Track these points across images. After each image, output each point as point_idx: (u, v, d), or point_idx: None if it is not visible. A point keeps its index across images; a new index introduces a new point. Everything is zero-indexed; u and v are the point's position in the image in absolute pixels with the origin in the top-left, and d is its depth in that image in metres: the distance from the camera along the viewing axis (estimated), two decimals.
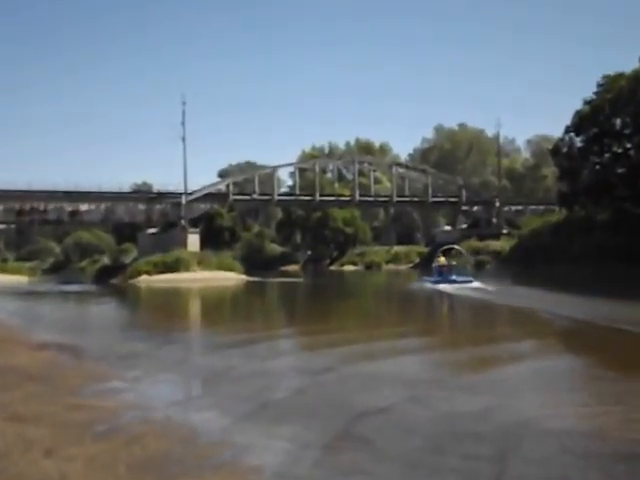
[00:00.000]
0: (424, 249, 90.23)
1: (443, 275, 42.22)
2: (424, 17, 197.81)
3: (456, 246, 50.39)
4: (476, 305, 31.63)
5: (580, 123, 72.90)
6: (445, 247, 50.49)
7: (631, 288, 36.36)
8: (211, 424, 9.32)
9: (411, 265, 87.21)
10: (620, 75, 69.54)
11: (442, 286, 39.61)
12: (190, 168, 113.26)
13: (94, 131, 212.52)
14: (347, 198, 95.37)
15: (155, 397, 11.54)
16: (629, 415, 9.48)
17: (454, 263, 45.14)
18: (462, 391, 11.50)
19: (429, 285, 42.47)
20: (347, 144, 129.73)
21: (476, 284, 39.26)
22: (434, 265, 45.63)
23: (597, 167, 73.00)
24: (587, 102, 72.28)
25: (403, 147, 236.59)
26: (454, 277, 41.58)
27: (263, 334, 21.22)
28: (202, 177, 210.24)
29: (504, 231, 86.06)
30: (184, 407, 10.69)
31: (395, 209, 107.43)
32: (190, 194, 76.77)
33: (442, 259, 44.60)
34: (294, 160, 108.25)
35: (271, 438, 8.53)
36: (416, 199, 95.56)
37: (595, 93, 71.92)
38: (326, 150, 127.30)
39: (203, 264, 68.70)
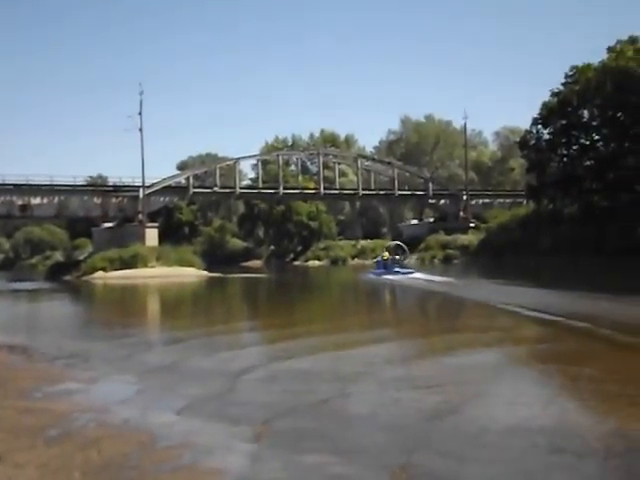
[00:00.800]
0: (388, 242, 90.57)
1: (387, 268, 47.54)
2: (392, 9, 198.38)
3: (399, 242, 57.35)
4: (434, 298, 33.48)
5: (547, 115, 74.06)
6: (390, 243, 59.91)
7: (598, 282, 37.15)
8: (169, 426, 9.22)
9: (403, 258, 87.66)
10: (587, 66, 70.69)
11: (386, 277, 45.05)
12: (148, 160, 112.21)
13: (46, 122, 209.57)
14: (311, 191, 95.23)
15: (111, 398, 11.38)
16: (590, 409, 9.60)
17: (397, 257, 50.66)
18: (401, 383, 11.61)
19: (373, 277, 47.86)
20: (311, 136, 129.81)
21: (417, 275, 45.38)
22: (378, 259, 52.20)
23: (565, 160, 74.35)
24: (555, 94, 73.40)
25: (369, 139, 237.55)
26: (397, 269, 46.94)
27: (221, 331, 21.55)
28: (161, 170, 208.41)
29: (472, 225, 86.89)
30: (141, 409, 10.57)
31: (361, 202, 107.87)
32: (148, 187, 75.92)
33: (386, 254, 50.48)
34: (257, 152, 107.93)
35: (233, 438, 8.48)
36: (382, 192, 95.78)
37: (563, 84, 73.08)
38: (290, 142, 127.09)
39: (162, 260, 68.22)
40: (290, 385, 12.08)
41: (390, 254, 50.43)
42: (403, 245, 55.52)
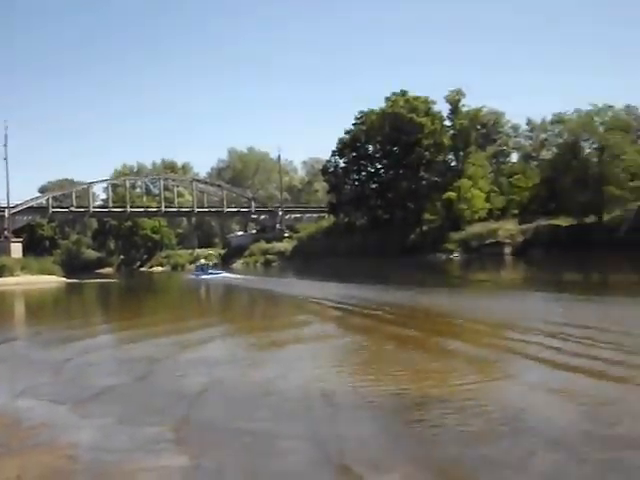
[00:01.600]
0: (221, 251, 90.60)
1: (204, 270, 55.26)
2: (215, 40, 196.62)
3: (211, 251, 71.02)
4: (235, 290, 37.97)
5: (342, 148, 77.77)
6: (206, 253, 73.07)
7: (378, 276, 39.67)
8: (30, 410, 8.94)
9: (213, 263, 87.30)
10: (371, 112, 75.42)
11: (203, 277, 51.78)
12: (13, 184, 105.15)
13: None
14: (154, 209, 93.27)
15: None
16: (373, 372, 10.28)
17: (210, 263, 59.80)
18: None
19: (194, 277, 54.11)
20: (153, 164, 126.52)
21: (224, 274, 52.75)
22: (197, 264, 60.91)
23: (356, 183, 78.32)
24: (347, 132, 77.48)
25: (202, 166, 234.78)
26: (210, 271, 54.66)
27: (76, 325, 21.04)
28: (24, 192, 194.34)
29: (286, 235, 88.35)
30: (5, 396, 10.13)
31: (196, 218, 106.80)
32: (13, 207, 72.01)
33: (203, 260, 61.22)
34: (107, 177, 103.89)
35: (85, 417, 8.38)
36: (214, 209, 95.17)
37: (353, 125, 77.17)
38: (135, 169, 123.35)
39: (26, 269, 64.48)
40: (120, 368, 12.20)
41: (206, 261, 59.72)
42: (216, 255, 66.29)
